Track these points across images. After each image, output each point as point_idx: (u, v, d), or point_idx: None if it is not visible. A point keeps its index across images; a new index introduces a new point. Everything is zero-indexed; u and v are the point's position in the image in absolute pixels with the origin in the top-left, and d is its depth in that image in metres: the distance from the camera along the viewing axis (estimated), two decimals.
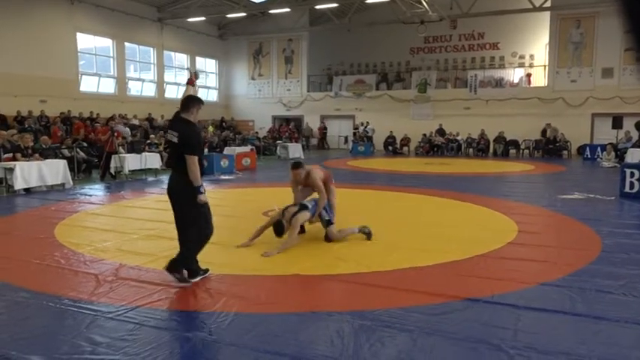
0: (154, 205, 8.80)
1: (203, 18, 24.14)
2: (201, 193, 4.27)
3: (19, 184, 9.94)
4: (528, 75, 24.33)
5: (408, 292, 4.12)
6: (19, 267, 4.93)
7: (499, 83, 24.10)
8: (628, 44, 0.87)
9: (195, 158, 4.25)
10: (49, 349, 3.10)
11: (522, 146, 22.20)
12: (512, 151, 22.19)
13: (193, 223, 4.37)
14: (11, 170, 9.92)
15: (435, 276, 4.65)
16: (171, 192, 4.44)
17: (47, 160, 11.06)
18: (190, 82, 5.01)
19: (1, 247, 5.69)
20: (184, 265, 4.38)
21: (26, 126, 15.49)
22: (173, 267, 4.31)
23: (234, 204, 9.30)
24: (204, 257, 4.63)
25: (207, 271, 4.55)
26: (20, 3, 17.30)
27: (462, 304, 3.87)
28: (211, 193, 10.67)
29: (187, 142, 4.28)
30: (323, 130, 27.08)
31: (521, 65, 25.14)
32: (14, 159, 10.37)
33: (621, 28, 0.87)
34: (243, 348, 3.13)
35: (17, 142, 11.21)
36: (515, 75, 24.45)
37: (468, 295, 4.04)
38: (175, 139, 4.33)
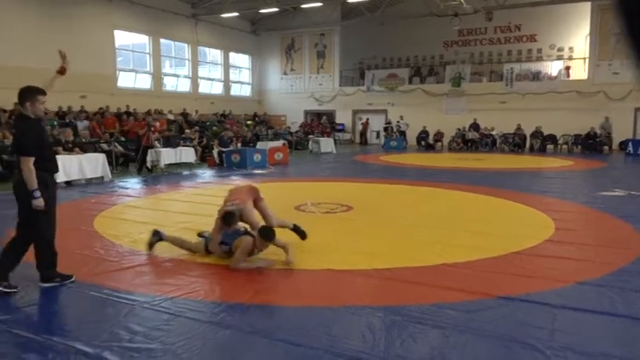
0: (189, 199, 8.97)
1: (236, 14, 24.36)
2: (36, 197, 3.87)
3: (60, 177, 10.27)
4: (567, 68, 23.61)
5: (440, 289, 4.08)
6: (62, 256, 5.09)
7: (536, 76, 23.47)
8: (623, 43, 0.86)
9: (29, 160, 3.84)
10: (89, 337, 3.21)
11: (560, 141, 21.59)
12: (550, 147, 21.62)
13: (37, 224, 4.07)
14: None
15: (468, 273, 4.58)
16: (14, 190, 4.06)
17: (87, 154, 11.41)
18: (61, 72, 4.46)
19: None
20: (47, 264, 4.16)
21: (67, 121, 16.00)
22: (44, 275, 4.14)
23: (267, 198, 9.35)
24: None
25: (12, 287, 4.02)
26: (61, 3, 17.85)
27: (495, 302, 3.81)
28: None
29: (18, 141, 3.92)
30: (367, 125, 26.72)
31: (560, 58, 24.41)
32: (56, 153, 10.72)
33: (617, 27, 0.86)
34: (276, 340, 3.17)
35: (59, 137, 11.60)
36: (553, 68, 23.75)
37: (502, 293, 3.97)
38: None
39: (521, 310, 3.65)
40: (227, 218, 4.88)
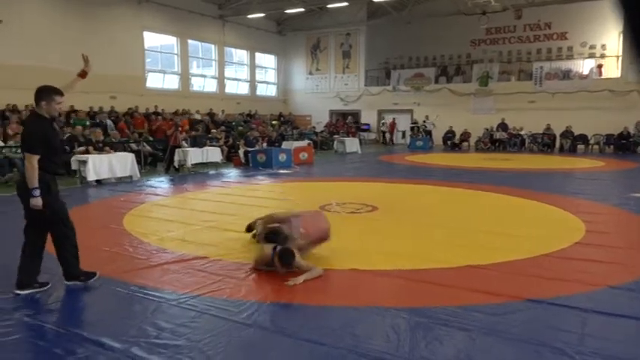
0: (215, 198, 9.07)
1: (262, 14, 24.53)
2: (35, 196, 3.82)
3: (91, 176, 10.55)
4: (599, 66, 23.00)
5: (466, 291, 4.03)
6: (92, 253, 5.22)
7: (567, 75, 22.95)
8: (627, 42, 0.85)
9: (33, 157, 3.81)
10: (118, 333, 3.28)
11: (592, 141, 21.07)
12: (581, 147, 21.11)
13: (56, 227, 4.06)
14: (84, 163, 10.54)
15: (496, 275, 4.52)
16: (17, 191, 4.06)
17: (117, 154, 11.65)
18: (82, 75, 4.43)
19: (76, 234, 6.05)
20: (74, 266, 4.17)
21: (97, 121, 16.37)
22: (70, 274, 4.16)
23: (292, 197, 9.42)
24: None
25: (44, 284, 4.10)
26: (92, 5, 18.27)
27: (523, 305, 3.75)
28: (269, 187, 10.93)
29: (26, 137, 3.95)
30: (394, 125, 26.40)
31: (592, 56, 23.79)
32: (87, 152, 11.00)
33: (619, 26, 0.87)
34: (300, 339, 3.18)
35: (89, 136, 11.88)
36: (584, 66, 23.19)
37: (530, 296, 3.90)
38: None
39: (550, 314, 3.58)
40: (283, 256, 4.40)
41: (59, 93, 3.98)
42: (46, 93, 3.92)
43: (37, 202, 3.83)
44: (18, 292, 3.93)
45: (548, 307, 3.69)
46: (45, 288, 4.05)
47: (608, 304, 3.75)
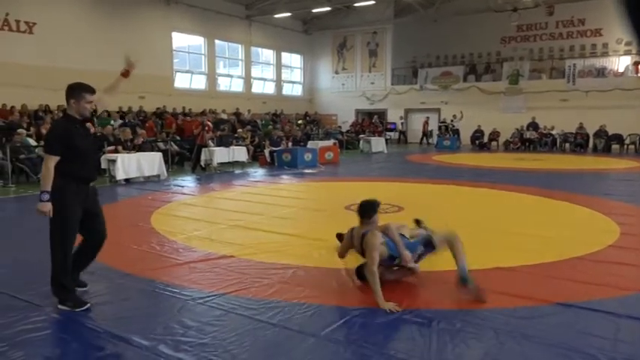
0: (241, 197, 9.15)
1: (289, 14, 24.64)
2: (42, 200, 3.50)
3: (120, 175, 10.78)
4: (636, 63, 22.30)
5: (494, 293, 3.96)
6: (120, 251, 5.34)
7: (601, 73, 22.36)
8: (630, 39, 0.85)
9: (49, 158, 3.55)
10: (145, 330, 3.34)
11: (627, 141, 20.47)
12: (615, 147, 20.54)
13: (50, 234, 3.68)
14: (114, 162, 10.78)
15: (526, 277, 4.44)
16: None
17: (145, 153, 11.88)
18: (125, 74, 4.24)
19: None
20: (60, 282, 3.73)
21: (126, 120, 16.71)
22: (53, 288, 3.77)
23: (317, 197, 9.44)
24: (285, 248, 4.72)
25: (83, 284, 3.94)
26: (122, 7, 18.66)
27: (553, 309, 3.67)
28: (294, 186, 10.97)
29: (46, 136, 3.82)
30: (426, 124, 25.52)
31: (628, 53, 23.11)
32: (116, 151, 11.25)
33: (621, 22, 0.85)
34: (324, 340, 3.18)
35: (119, 136, 12.13)
36: (620, 64, 22.55)
37: (561, 300, 3.81)
38: None
39: (582, 318, 3.49)
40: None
41: (90, 91, 3.70)
42: (75, 90, 3.65)
43: (44, 207, 3.49)
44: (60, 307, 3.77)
45: (579, 312, 3.61)
46: (84, 308, 3.73)
47: None
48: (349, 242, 4.30)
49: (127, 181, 11.05)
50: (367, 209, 4.22)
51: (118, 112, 17.59)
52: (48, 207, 3.51)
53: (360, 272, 4.18)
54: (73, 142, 3.60)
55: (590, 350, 3.00)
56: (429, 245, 4.20)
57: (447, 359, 2.93)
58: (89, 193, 3.80)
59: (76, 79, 3.92)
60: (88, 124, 3.87)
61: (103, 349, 3.10)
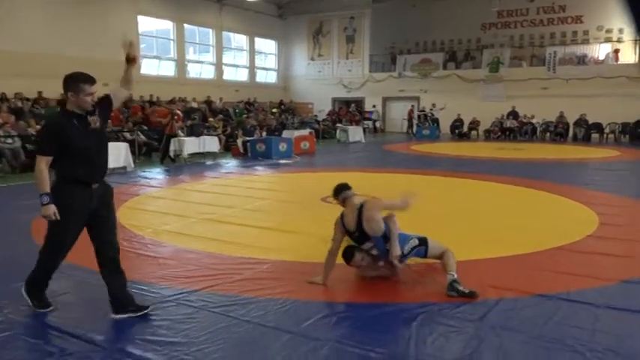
0: (212, 189, 9.08)
1: None
2: (44, 204, 3.27)
3: None
4: (616, 51, 22.84)
5: (475, 286, 4.03)
6: (84, 247, 5.23)
7: (582, 60, 22.82)
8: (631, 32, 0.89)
9: (40, 159, 3.29)
10: (111, 330, 3.31)
11: (607, 130, 20.99)
12: (595, 136, 21.03)
13: (46, 236, 3.53)
14: None
15: (505, 269, 4.53)
16: None
17: (110, 143, 11.62)
18: (131, 61, 3.82)
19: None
20: (33, 285, 3.62)
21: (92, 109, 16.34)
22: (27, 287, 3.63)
23: (292, 189, 9.44)
24: (259, 242, 4.71)
25: (143, 307, 3.58)
26: None
27: (533, 300, 3.76)
28: (269, 178, 10.94)
29: (38, 135, 3.53)
30: (412, 112, 25.53)
31: (608, 40, 23.62)
32: None
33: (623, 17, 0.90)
34: (300, 336, 3.20)
35: None
36: (600, 51, 23.04)
37: (540, 291, 3.91)
38: None
39: (561, 309, 3.59)
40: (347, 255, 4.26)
41: (89, 81, 3.43)
42: (72, 82, 3.35)
43: (47, 210, 3.27)
44: (114, 316, 3.51)
45: (559, 303, 3.70)
46: (144, 312, 3.55)
47: (622, 300, 3.76)
48: (341, 230, 4.29)
49: None
50: (342, 186, 4.57)
51: None
52: (52, 209, 3.28)
53: (347, 254, 4.26)
54: (70, 140, 3.32)
55: (568, 341, 3.08)
56: (423, 244, 4.22)
57: (426, 353, 2.98)
58: (94, 195, 3.47)
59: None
60: (93, 118, 3.49)
61: (64, 350, 3.04)
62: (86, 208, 3.44)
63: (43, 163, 3.28)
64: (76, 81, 3.37)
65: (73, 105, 3.39)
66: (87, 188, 3.43)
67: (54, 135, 3.33)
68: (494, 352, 2.99)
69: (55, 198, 3.30)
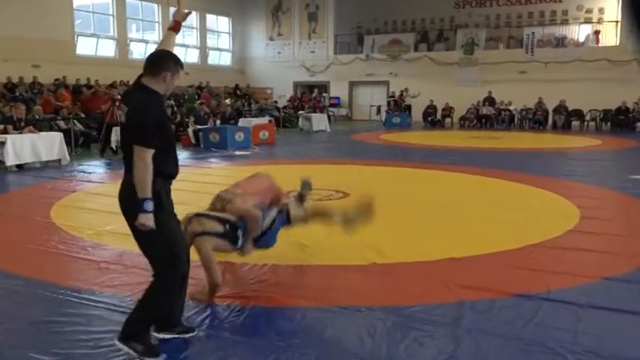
0: None
1: None
2: (147, 211, 2.93)
3: (10, 160, 10.21)
4: (596, 32, 23.58)
5: (448, 287, 4.11)
6: (13, 252, 5.10)
7: (561, 42, 23.45)
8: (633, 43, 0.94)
9: (147, 152, 2.94)
10: (46, 343, 3.22)
11: (587, 117, 21.67)
12: (576, 123, 21.70)
13: (153, 251, 3.18)
14: (2, 144, 10.20)
15: (481, 268, 4.63)
16: (119, 202, 3.18)
17: (41, 133, 11.32)
18: (175, 28, 3.53)
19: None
20: (143, 325, 3.16)
21: (17, 94, 15.83)
22: (125, 332, 3.09)
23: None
24: None
25: (190, 330, 3.38)
26: None
27: (511, 301, 3.86)
28: (224, 171, 10.84)
29: (139, 123, 2.99)
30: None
31: (588, 21, 24.35)
32: (5, 132, 10.64)
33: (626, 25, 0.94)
34: (258, 344, 3.20)
35: (9, 113, 11.49)
36: (580, 33, 23.73)
37: (519, 291, 4.01)
38: (124, 118, 3.10)
39: (542, 310, 3.69)
40: None
41: (182, 66, 3.28)
42: (172, 62, 3.15)
43: (148, 219, 2.93)
44: (156, 334, 3.30)
45: (538, 303, 3.81)
46: (191, 334, 3.35)
47: (604, 298, 3.90)
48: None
49: (20, 167, 10.51)
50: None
51: (5, 85, 16.65)
52: (152, 219, 2.95)
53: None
54: (166, 129, 3.16)
55: (549, 343, 3.18)
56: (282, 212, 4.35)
57: (398, 359, 3.02)
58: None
59: None
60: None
61: None
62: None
63: (150, 158, 2.95)
64: (175, 62, 3.18)
65: (161, 87, 3.13)
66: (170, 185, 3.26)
67: (158, 123, 3.04)
68: (471, 356, 3.06)
69: (158, 201, 3.03)
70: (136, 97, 3.09)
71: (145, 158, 2.93)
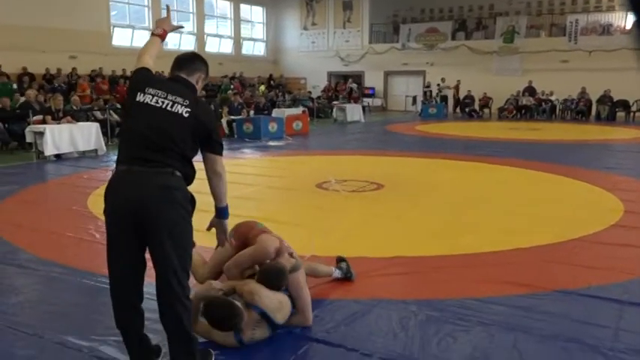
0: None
1: None
2: (227, 217, 3.04)
3: (49, 150, 10.50)
4: None
5: (485, 281, 4.07)
6: (52, 240, 5.25)
7: (606, 30, 22.80)
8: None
9: (222, 160, 2.89)
10: (84, 330, 3.32)
11: (634, 108, 21.04)
12: (621, 114, 21.10)
13: (182, 269, 2.91)
14: (41, 134, 10.49)
15: (520, 262, 4.56)
16: (145, 208, 2.72)
17: (79, 124, 11.59)
18: (162, 35, 3.25)
19: (33, 217, 6.04)
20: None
21: (55, 85, 16.23)
22: None
23: (284, 174, 9.43)
24: None
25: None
26: None
27: (551, 297, 3.80)
28: (258, 162, 10.93)
29: (212, 128, 2.86)
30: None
31: None
32: (44, 122, 10.94)
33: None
34: (288, 335, 3.23)
35: (47, 104, 11.80)
36: (627, 20, 23.02)
37: (558, 286, 3.95)
38: (184, 112, 2.73)
39: (581, 306, 3.63)
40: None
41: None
42: (206, 67, 3.07)
43: (226, 225, 3.04)
44: None
45: (578, 299, 3.74)
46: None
47: None
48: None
49: (58, 157, 10.79)
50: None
51: (44, 76, 17.08)
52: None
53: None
54: None
55: (589, 341, 3.13)
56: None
57: (431, 355, 3.01)
58: None
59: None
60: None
61: (32, 353, 3.06)
62: None
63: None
64: (207, 68, 3.11)
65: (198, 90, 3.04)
66: None
67: None
68: (507, 353, 3.03)
69: (193, 208, 2.94)
70: (194, 97, 2.86)
71: (224, 165, 2.91)
